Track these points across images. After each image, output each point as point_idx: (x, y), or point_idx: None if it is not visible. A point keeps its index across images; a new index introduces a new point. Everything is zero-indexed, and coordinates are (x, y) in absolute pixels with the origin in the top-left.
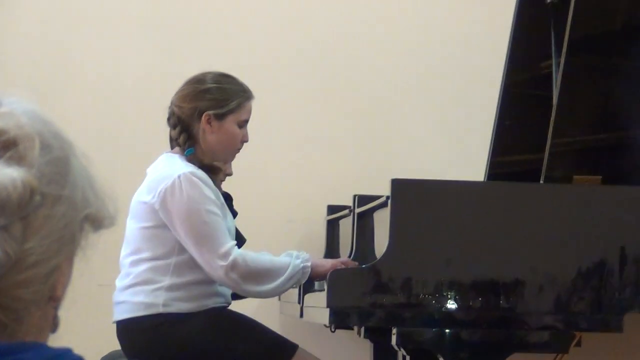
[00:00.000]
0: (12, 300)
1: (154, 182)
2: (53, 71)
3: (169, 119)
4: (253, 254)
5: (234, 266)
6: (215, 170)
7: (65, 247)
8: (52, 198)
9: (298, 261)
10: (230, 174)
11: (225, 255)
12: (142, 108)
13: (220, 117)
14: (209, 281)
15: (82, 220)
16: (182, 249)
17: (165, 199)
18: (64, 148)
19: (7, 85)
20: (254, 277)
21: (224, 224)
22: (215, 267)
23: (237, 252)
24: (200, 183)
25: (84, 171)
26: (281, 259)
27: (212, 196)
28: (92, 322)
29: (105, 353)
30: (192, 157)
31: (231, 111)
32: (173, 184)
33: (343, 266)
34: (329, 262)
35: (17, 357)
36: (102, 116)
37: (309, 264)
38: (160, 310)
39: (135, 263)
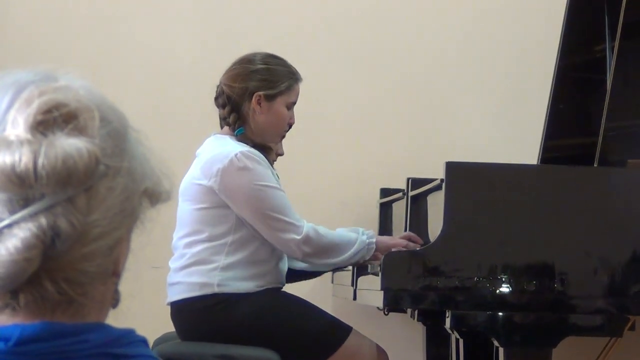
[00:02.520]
0: (78, 273)
1: (208, 163)
2: (103, 50)
3: (217, 98)
4: (323, 228)
5: (306, 240)
6: (268, 150)
7: (127, 220)
8: (114, 170)
9: (364, 237)
10: (281, 154)
11: (297, 228)
12: (191, 88)
13: (270, 98)
14: (263, 260)
15: (141, 194)
16: (238, 227)
17: (224, 179)
18: (121, 121)
19: (59, 63)
20: (324, 251)
21: (287, 198)
22: (287, 240)
23: (308, 226)
24: (259, 159)
25: (140, 146)
26: (349, 234)
27: (270, 173)
28: (145, 305)
29: (159, 335)
30: (243, 137)
31: (281, 93)
32: (231, 162)
33: (404, 245)
34: (392, 240)
35: (81, 337)
36: (151, 95)
37: (374, 240)
38: (215, 290)
39: (191, 244)
